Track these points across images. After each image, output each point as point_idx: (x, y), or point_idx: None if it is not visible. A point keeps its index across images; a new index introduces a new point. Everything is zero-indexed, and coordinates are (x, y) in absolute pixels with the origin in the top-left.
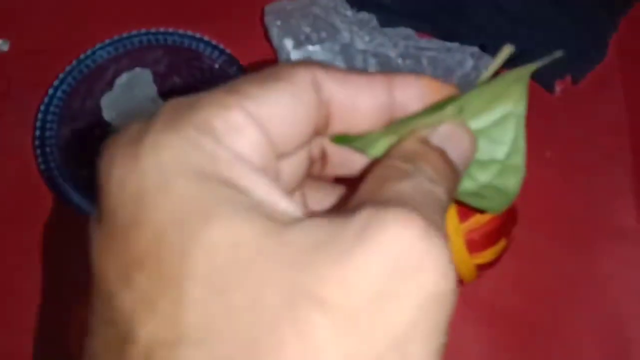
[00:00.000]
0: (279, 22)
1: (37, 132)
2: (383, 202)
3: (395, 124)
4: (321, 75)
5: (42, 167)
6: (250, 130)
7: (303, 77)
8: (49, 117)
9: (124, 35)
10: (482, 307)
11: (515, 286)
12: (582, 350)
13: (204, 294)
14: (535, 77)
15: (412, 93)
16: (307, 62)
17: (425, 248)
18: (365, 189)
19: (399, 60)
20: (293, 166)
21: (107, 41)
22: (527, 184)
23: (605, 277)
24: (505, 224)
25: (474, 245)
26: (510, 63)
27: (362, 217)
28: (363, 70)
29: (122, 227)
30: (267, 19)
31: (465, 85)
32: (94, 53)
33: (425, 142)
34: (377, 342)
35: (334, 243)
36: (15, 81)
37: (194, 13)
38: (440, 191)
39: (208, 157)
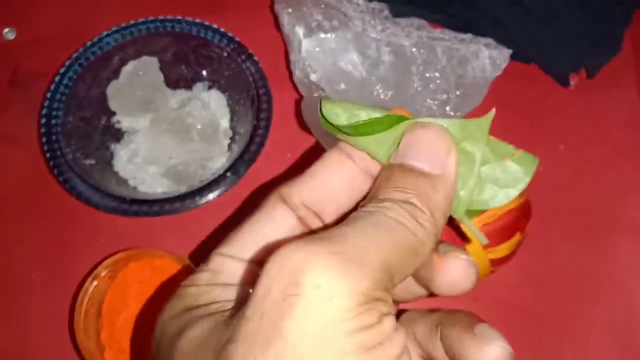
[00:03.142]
0: (289, 10)
1: (43, 120)
2: None
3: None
4: (285, 191)
5: (48, 154)
6: None
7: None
8: (55, 105)
9: (131, 22)
10: (495, 302)
11: (528, 281)
12: (595, 344)
13: None
14: (550, 70)
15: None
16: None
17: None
18: None
19: (414, 50)
20: None
21: (113, 28)
22: (542, 178)
23: (618, 272)
24: (520, 218)
25: (488, 239)
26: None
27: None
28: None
29: None
30: (278, 6)
31: (482, 80)
32: (100, 40)
33: (388, 166)
34: None
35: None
36: (21, 69)
37: (203, 0)
38: (384, 218)
39: None
